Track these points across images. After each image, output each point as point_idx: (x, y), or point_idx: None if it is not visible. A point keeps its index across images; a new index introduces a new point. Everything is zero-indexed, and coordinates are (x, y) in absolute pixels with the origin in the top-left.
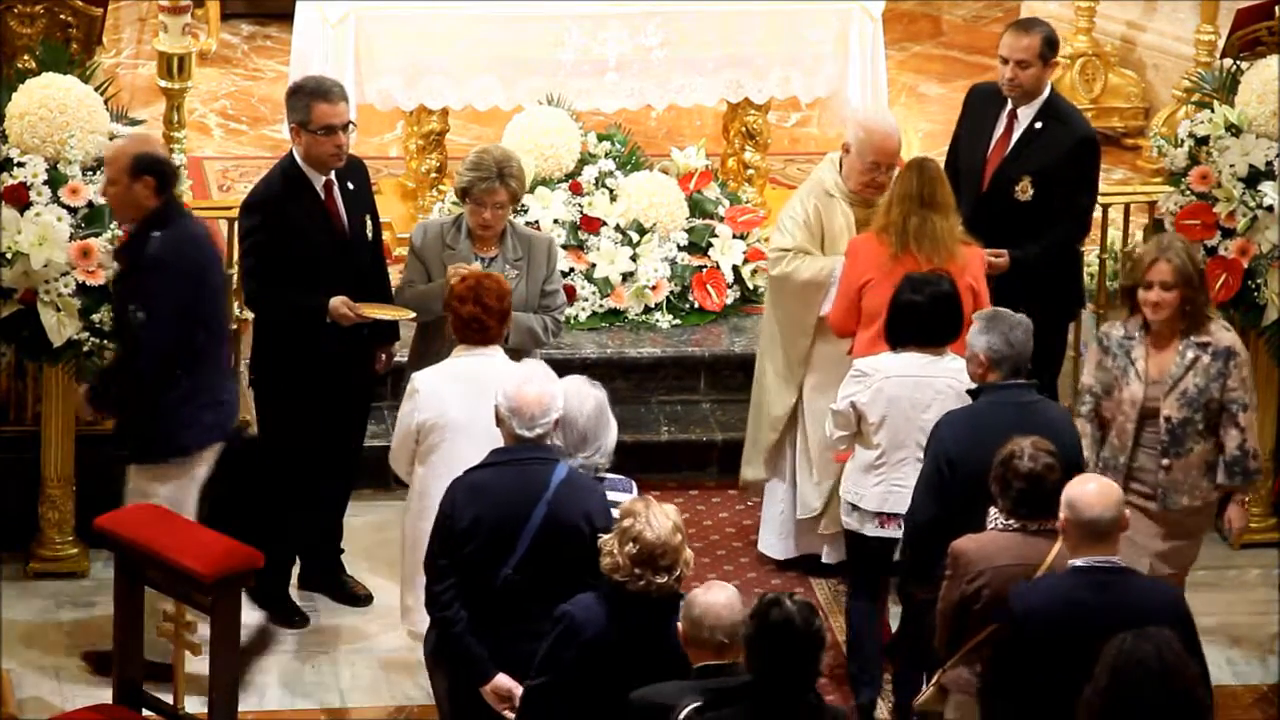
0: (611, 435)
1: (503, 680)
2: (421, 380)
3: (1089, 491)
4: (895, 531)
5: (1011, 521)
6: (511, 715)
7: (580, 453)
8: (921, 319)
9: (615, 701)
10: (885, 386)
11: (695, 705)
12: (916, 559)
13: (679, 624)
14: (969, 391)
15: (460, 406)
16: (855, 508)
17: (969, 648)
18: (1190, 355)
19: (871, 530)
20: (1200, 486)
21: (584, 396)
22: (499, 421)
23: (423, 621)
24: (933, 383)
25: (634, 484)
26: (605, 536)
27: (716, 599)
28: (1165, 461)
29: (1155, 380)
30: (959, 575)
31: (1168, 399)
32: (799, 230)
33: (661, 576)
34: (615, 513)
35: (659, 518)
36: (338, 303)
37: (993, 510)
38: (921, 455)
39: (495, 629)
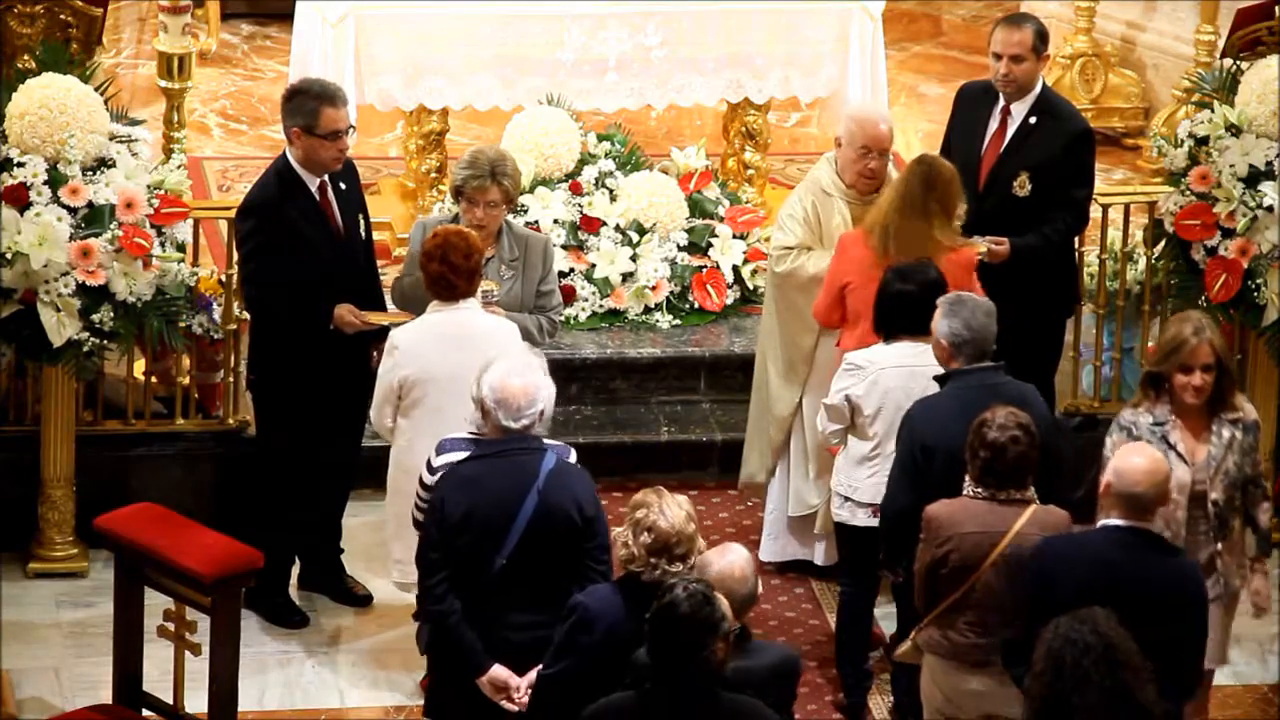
0: (548, 405)
1: (498, 671)
2: (400, 337)
3: (1135, 465)
4: None
5: (980, 490)
6: (509, 705)
7: (520, 419)
8: (913, 308)
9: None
10: (881, 378)
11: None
12: (892, 545)
13: None
14: (936, 378)
15: (440, 361)
16: (847, 499)
17: (939, 611)
18: (1226, 434)
19: (863, 520)
20: (1242, 565)
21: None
22: (484, 414)
23: (410, 573)
24: (928, 372)
25: (572, 450)
26: (618, 529)
27: (730, 570)
28: (1219, 546)
29: (1197, 463)
30: (930, 539)
31: (1214, 481)
32: (800, 227)
33: (676, 565)
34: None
35: (672, 508)
36: (343, 310)
37: (967, 477)
38: None
39: (489, 619)
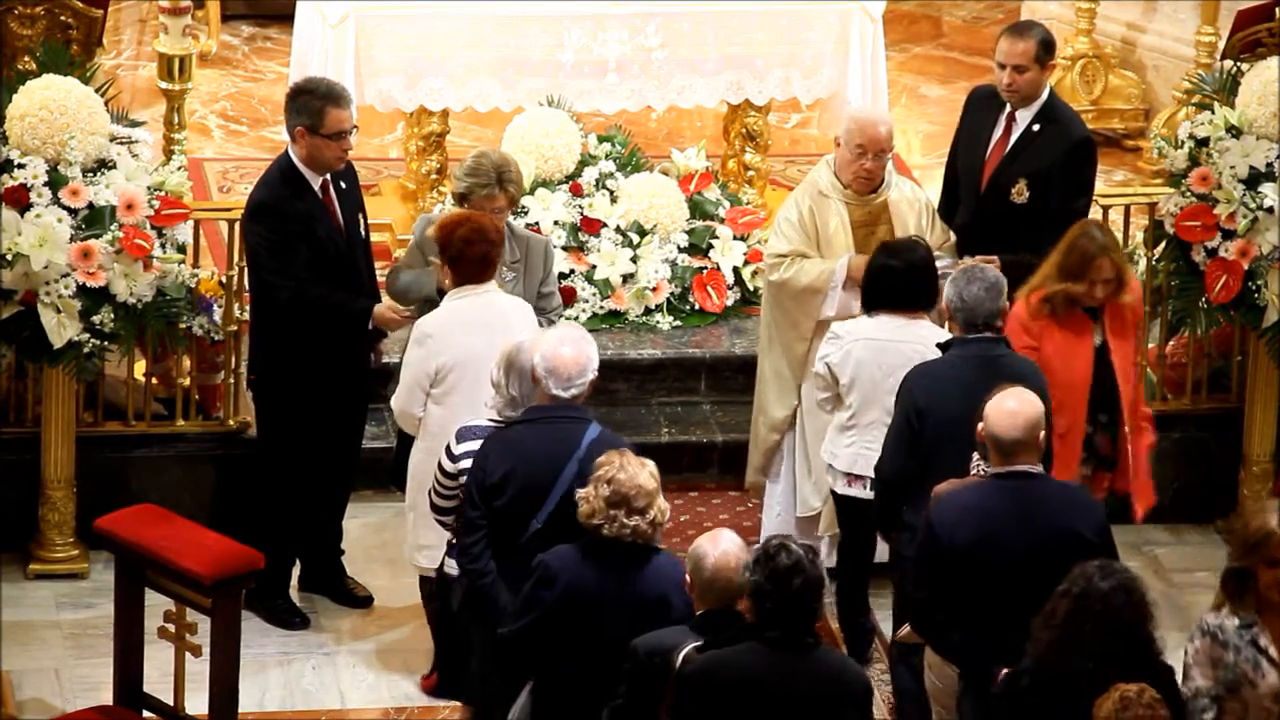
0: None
1: None
2: (432, 325)
3: (1003, 410)
4: (861, 492)
5: (989, 468)
6: None
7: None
8: (897, 283)
9: (590, 649)
10: (854, 349)
11: (695, 645)
12: (885, 508)
13: (687, 575)
14: (939, 345)
15: (475, 345)
16: (830, 466)
17: None
18: None
19: (841, 488)
20: None
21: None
22: (534, 380)
23: (428, 560)
24: (901, 348)
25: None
26: (581, 491)
27: (726, 561)
28: None
29: None
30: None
31: None
32: (794, 232)
33: (634, 519)
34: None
35: (633, 464)
36: (383, 308)
37: (975, 456)
38: (889, 419)
39: (522, 581)
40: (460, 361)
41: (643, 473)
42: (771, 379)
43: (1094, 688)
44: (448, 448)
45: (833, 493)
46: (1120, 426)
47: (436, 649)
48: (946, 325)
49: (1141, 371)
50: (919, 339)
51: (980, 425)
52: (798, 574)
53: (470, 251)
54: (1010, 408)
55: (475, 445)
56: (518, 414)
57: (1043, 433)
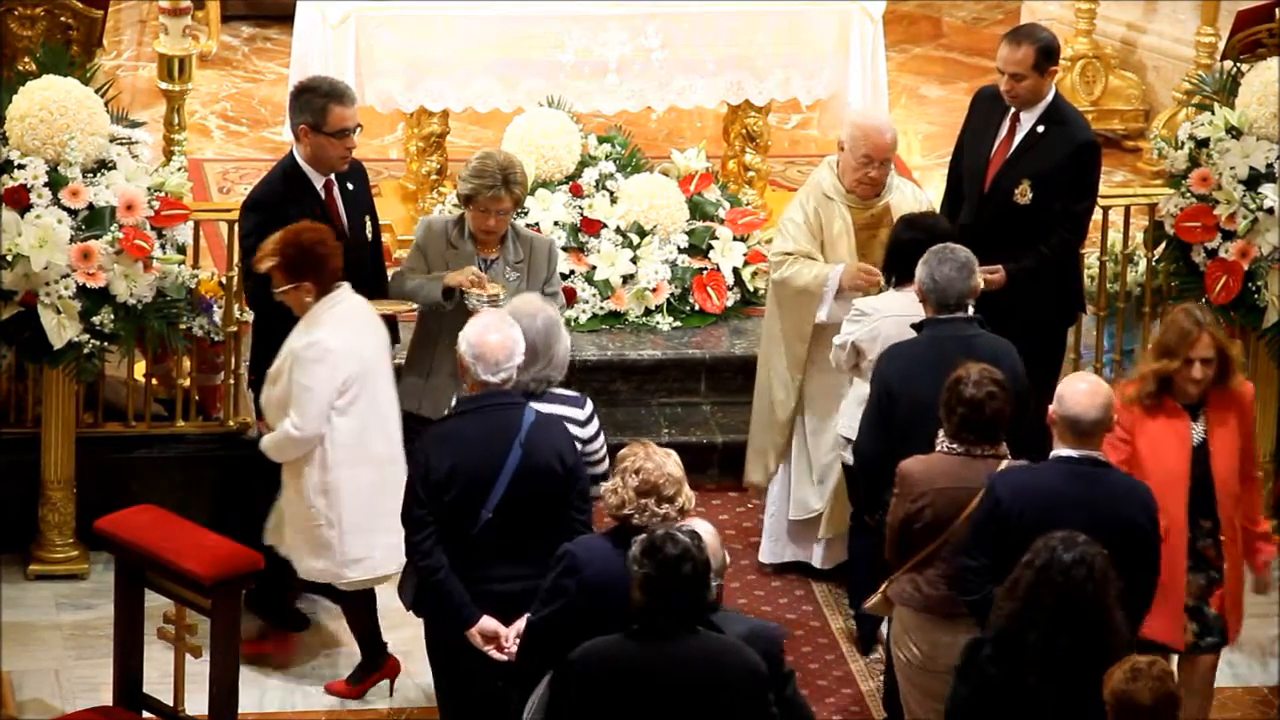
0: (563, 349)
1: (488, 622)
2: (331, 340)
3: (1078, 390)
4: None
5: (955, 445)
6: (499, 655)
7: (532, 367)
8: (918, 256)
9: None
10: (882, 326)
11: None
12: (866, 488)
13: None
14: (913, 325)
15: (365, 350)
16: (849, 441)
17: (913, 563)
18: None
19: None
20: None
21: (534, 314)
22: (462, 370)
23: (361, 573)
24: None
25: (588, 400)
26: (607, 484)
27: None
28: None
29: None
30: (904, 494)
31: None
32: (799, 232)
33: (664, 507)
34: (576, 431)
35: (658, 454)
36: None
37: (941, 433)
38: None
39: (475, 572)
40: (361, 369)
41: (669, 461)
42: (777, 381)
43: (1052, 659)
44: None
45: (845, 467)
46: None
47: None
48: (921, 306)
49: (1258, 480)
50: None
51: (1052, 407)
52: (687, 561)
53: (328, 259)
54: (1085, 389)
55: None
56: (528, 376)
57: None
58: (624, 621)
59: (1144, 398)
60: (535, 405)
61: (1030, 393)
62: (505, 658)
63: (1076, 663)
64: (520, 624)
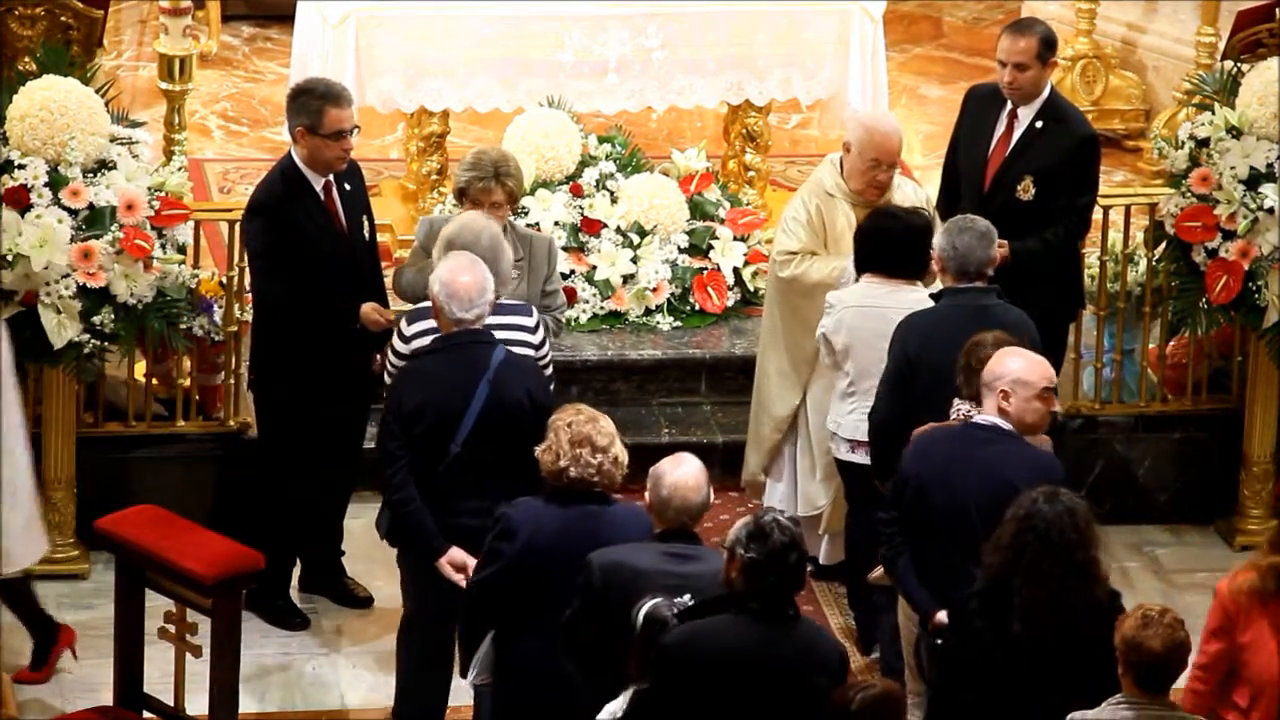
0: (507, 263)
1: (456, 553)
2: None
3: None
4: (865, 458)
5: (973, 411)
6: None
7: (471, 309)
8: (889, 246)
9: (553, 598)
10: (845, 316)
11: (655, 602)
12: (879, 456)
13: (646, 494)
14: (931, 295)
15: None
16: (835, 434)
17: None
18: None
19: (845, 454)
20: None
21: (478, 232)
22: (436, 311)
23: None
24: (886, 313)
25: (534, 309)
26: (540, 445)
27: (685, 480)
28: None
29: None
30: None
31: None
32: (803, 230)
33: (599, 457)
34: (524, 337)
35: (588, 412)
36: (369, 309)
37: (956, 400)
38: None
39: (445, 504)
40: None
41: (601, 418)
42: (775, 377)
43: (1037, 608)
44: (398, 329)
45: (837, 460)
46: None
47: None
48: (939, 276)
49: None
50: (909, 303)
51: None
52: (794, 550)
53: None
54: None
55: (426, 324)
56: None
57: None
58: (563, 585)
59: (1258, 593)
60: (488, 317)
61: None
62: None
63: (1061, 612)
64: None
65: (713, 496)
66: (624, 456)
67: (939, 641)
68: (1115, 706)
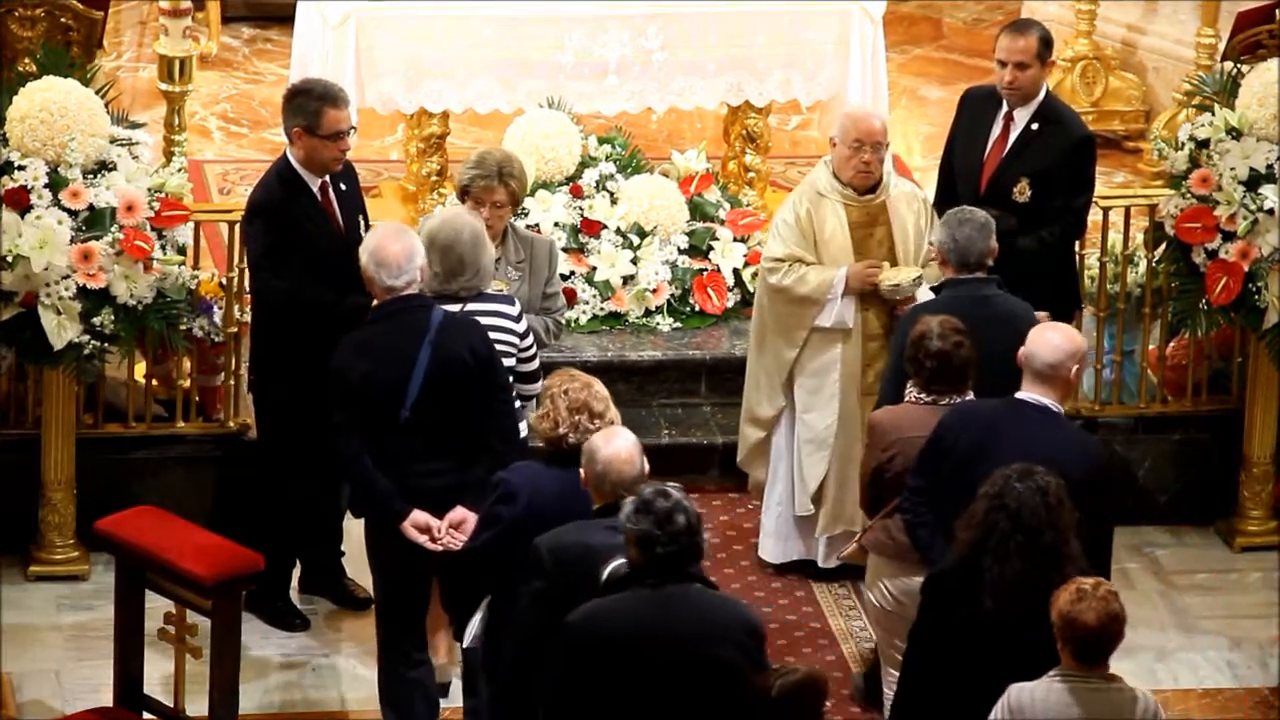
0: (488, 258)
1: (419, 515)
2: None
3: (1046, 337)
4: None
5: (924, 396)
6: (432, 546)
7: (460, 278)
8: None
9: None
10: None
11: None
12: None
13: (582, 469)
14: (933, 288)
15: None
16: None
17: (885, 512)
18: None
19: None
20: None
21: (460, 229)
22: (368, 281)
23: None
24: None
25: (517, 301)
26: (536, 412)
27: (618, 454)
28: None
29: None
30: (875, 445)
31: None
32: (791, 235)
33: (597, 422)
34: (510, 325)
35: (582, 377)
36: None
37: (910, 384)
38: None
39: (403, 469)
40: None
41: (594, 383)
42: (761, 379)
43: (1008, 585)
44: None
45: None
46: None
47: None
48: (940, 268)
49: None
50: None
51: (1021, 349)
52: (680, 513)
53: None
54: (1053, 336)
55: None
56: (454, 286)
57: (1075, 368)
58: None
59: None
60: (470, 305)
61: None
62: (439, 548)
63: (1032, 589)
64: (454, 514)
65: (647, 468)
66: (619, 420)
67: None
68: (1053, 679)
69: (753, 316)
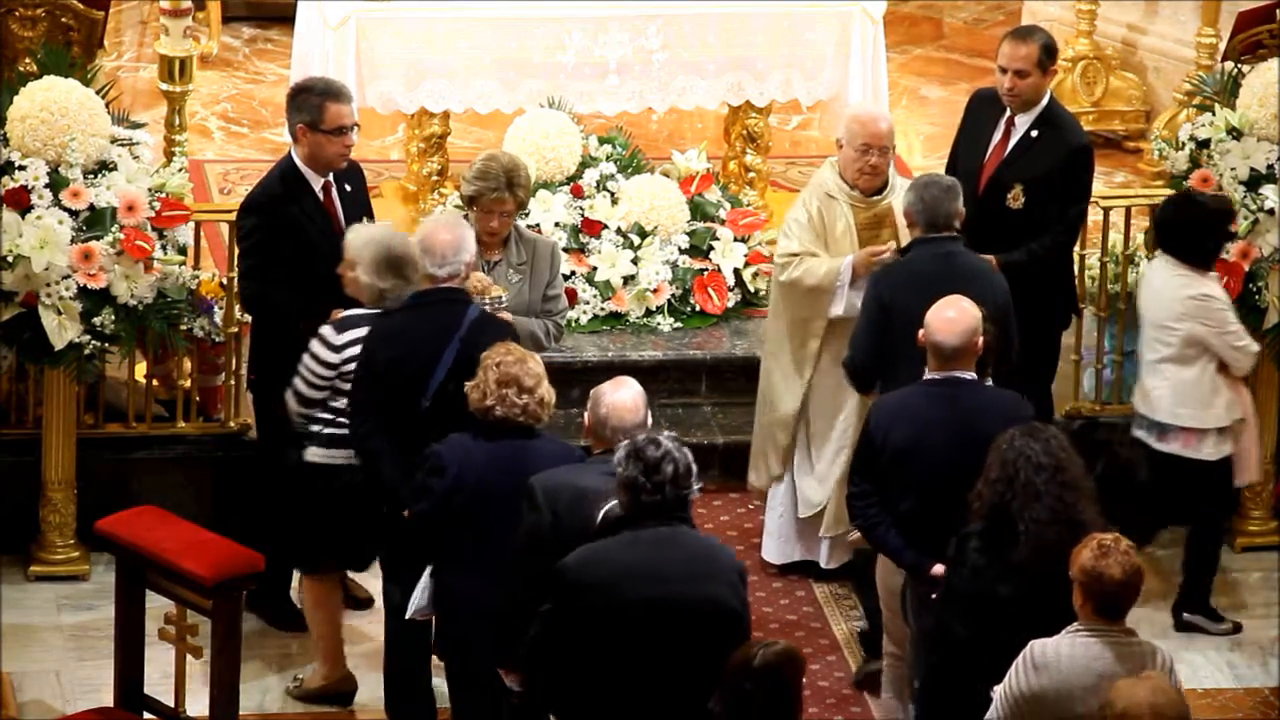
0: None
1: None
2: None
3: (944, 317)
4: (1180, 448)
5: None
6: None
7: (391, 279)
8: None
9: (484, 531)
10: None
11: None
12: (859, 390)
13: (586, 415)
14: (900, 250)
15: None
16: (1140, 415)
17: None
18: None
19: (1153, 442)
20: None
21: (404, 237)
22: (412, 264)
23: None
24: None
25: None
26: (470, 382)
27: (622, 401)
28: None
29: None
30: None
31: None
32: (803, 232)
33: (524, 397)
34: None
35: (518, 351)
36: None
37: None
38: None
39: (414, 456)
40: None
41: (530, 359)
42: (780, 378)
43: (1039, 528)
44: (325, 339)
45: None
46: None
47: None
48: (909, 230)
49: None
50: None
51: (920, 332)
52: (668, 462)
53: None
54: (949, 316)
55: (357, 333)
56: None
57: (980, 339)
58: (496, 517)
59: None
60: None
61: (1013, 315)
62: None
63: (1061, 527)
64: None
65: (649, 420)
66: (550, 397)
67: (934, 596)
68: (1076, 634)
69: (768, 320)
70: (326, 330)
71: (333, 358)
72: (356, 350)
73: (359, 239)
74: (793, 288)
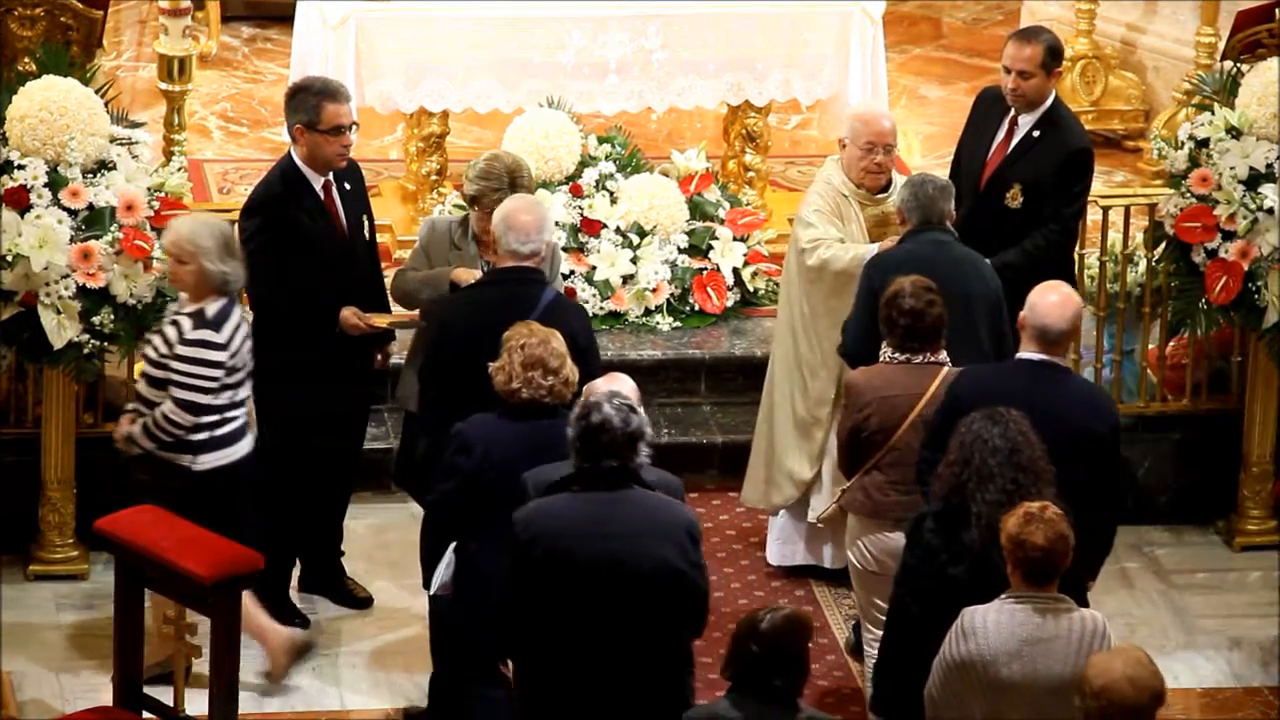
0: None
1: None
2: None
3: (1049, 301)
4: None
5: (899, 355)
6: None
7: (227, 262)
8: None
9: (510, 509)
10: None
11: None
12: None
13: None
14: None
15: None
16: None
17: (864, 471)
18: None
19: None
20: None
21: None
22: (495, 241)
23: None
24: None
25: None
26: (494, 364)
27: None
28: None
29: None
30: (851, 406)
31: None
32: (822, 220)
33: (550, 379)
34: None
35: (541, 332)
36: (348, 314)
37: (884, 344)
38: None
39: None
40: None
41: (553, 339)
42: (806, 373)
43: (991, 510)
44: (208, 341)
45: None
46: None
47: None
48: (901, 227)
49: None
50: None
51: (1023, 312)
52: (605, 432)
53: None
54: (1054, 300)
55: (231, 324)
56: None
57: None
58: (521, 496)
59: None
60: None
61: (1005, 308)
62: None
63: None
64: None
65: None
66: (574, 376)
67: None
68: (1005, 601)
69: (785, 314)
70: (203, 333)
71: (222, 356)
72: (239, 342)
73: (193, 231)
74: (820, 276)
